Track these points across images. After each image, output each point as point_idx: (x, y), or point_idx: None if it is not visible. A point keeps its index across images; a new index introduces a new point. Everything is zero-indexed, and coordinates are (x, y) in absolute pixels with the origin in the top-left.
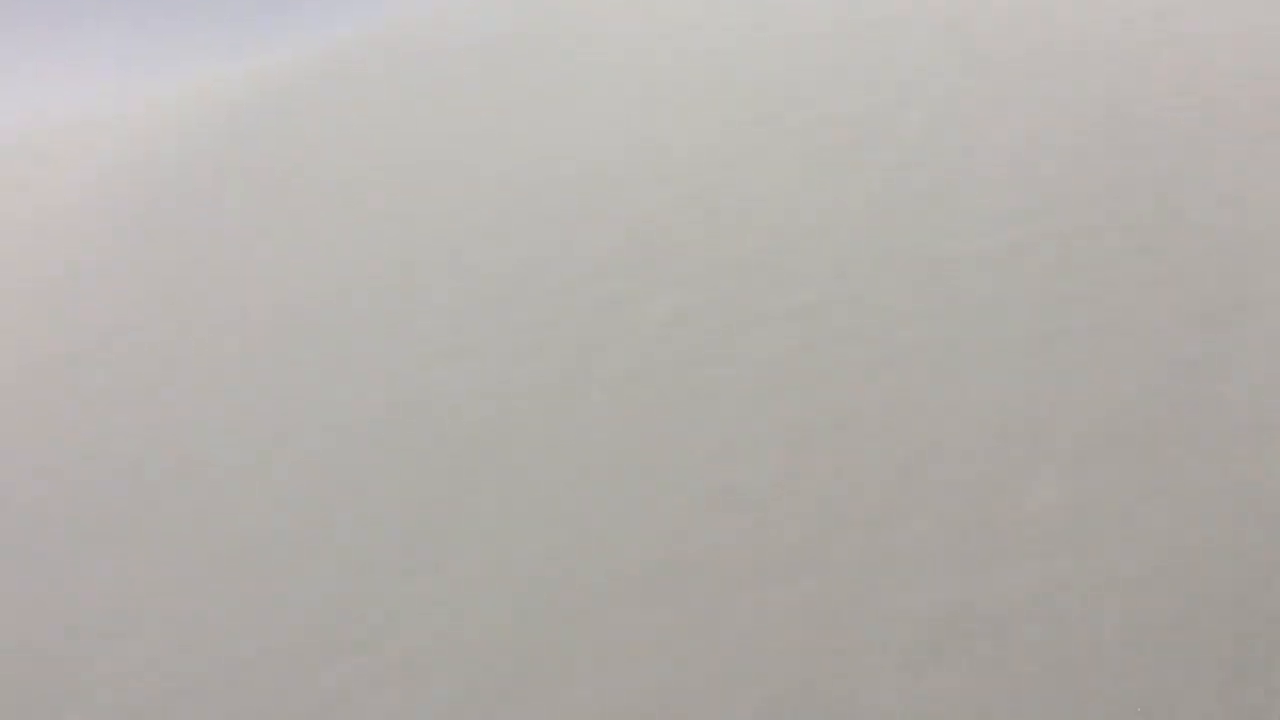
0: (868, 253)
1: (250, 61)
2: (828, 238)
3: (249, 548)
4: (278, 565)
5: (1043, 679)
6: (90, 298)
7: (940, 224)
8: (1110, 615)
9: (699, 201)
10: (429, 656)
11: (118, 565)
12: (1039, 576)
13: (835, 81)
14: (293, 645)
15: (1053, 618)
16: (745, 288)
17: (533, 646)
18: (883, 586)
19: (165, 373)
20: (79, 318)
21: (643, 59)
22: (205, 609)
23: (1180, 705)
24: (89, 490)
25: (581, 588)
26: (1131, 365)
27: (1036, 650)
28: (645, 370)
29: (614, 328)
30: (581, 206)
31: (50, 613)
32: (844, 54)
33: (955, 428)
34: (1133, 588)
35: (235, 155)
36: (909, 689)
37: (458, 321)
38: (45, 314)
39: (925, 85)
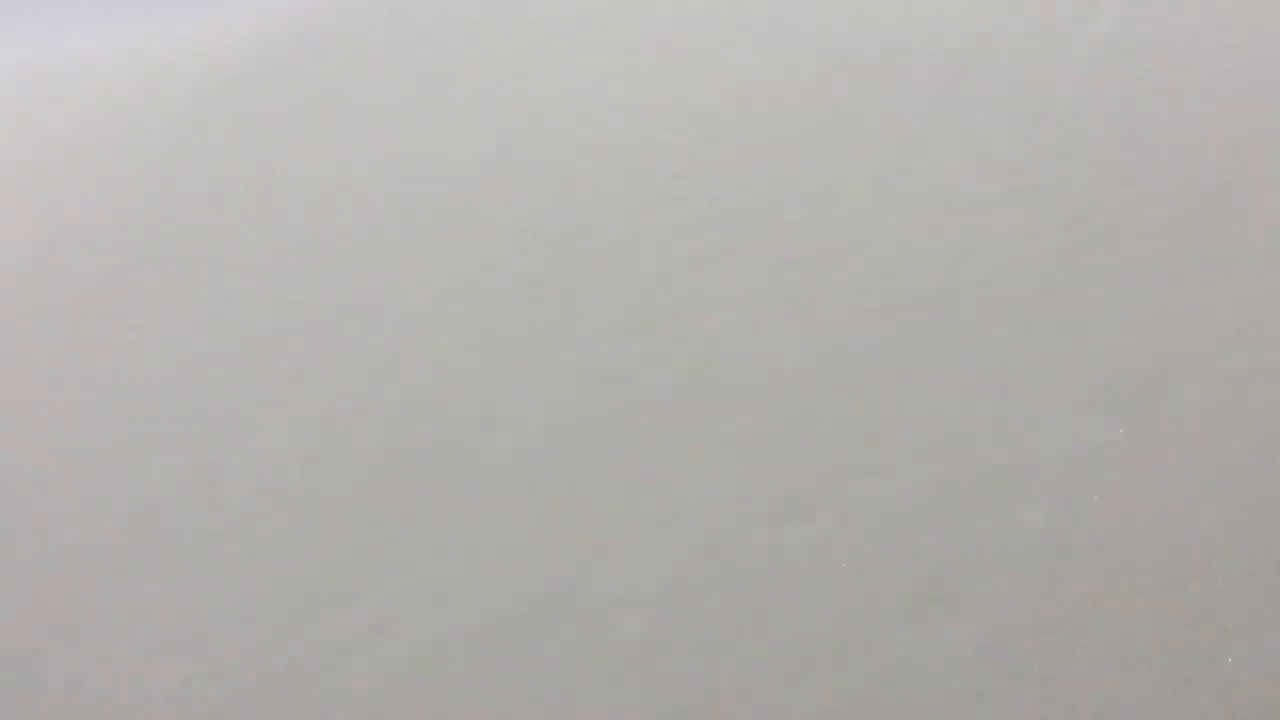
0: (876, 198)
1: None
2: (835, 184)
3: (262, 492)
4: (296, 506)
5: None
6: (103, 234)
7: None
8: (1122, 559)
9: (707, 147)
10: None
11: (118, 514)
12: (1048, 520)
13: (850, 31)
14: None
15: (1061, 560)
16: (757, 234)
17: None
18: (892, 528)
19: (177, 312)
20: (91, 254)
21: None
22: (217, 542)
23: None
24: (100, 430)
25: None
26: (1144, 311)
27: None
28: (648, 319)
29: (618, 276)
30: (584, 154)
31: (55, 559)
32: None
33: (970, 372)
34: (1144, 532)
35: (252, 91)
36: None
37: (463, 265)
38: (62, 250)
39: (936, 34)
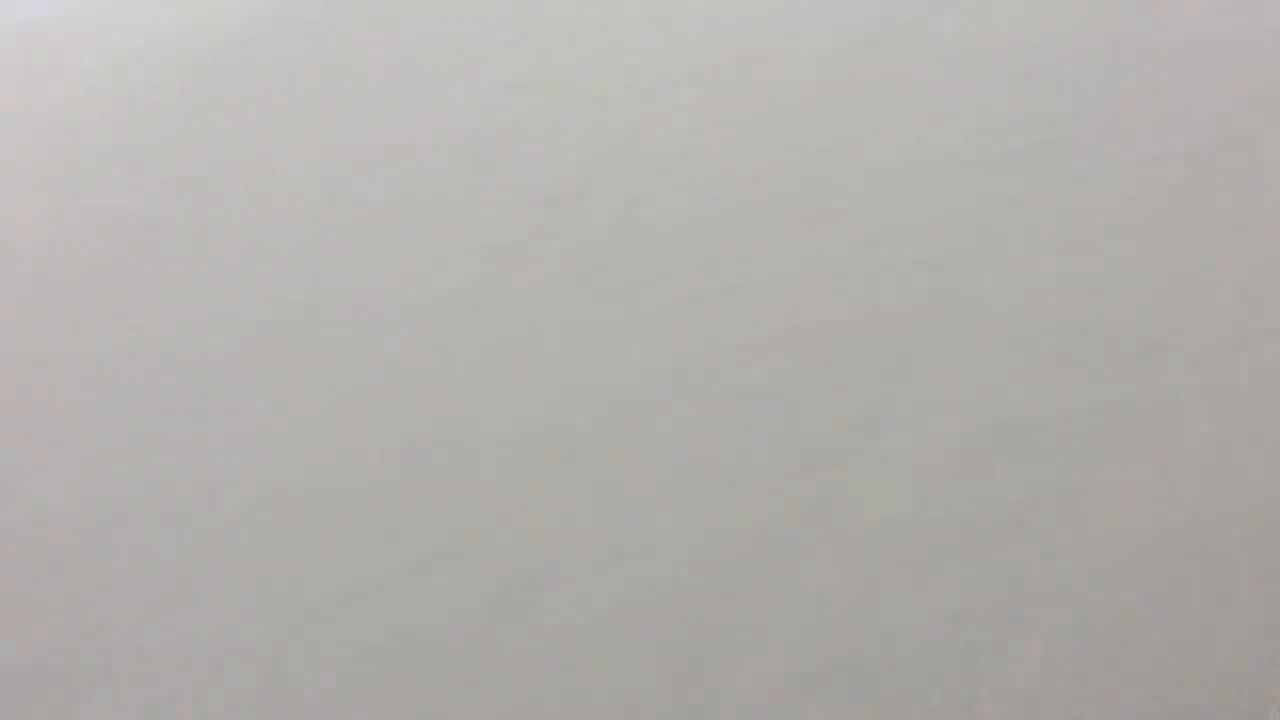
0: (892, 155)
1: None
2: (852, 141)
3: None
4: (307, 458)
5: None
6: (113, 184)
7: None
8: (1137, 516)
9: (720, 104)
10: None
11: (124, 467)
12: (1064, 477)
13: None
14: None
15: (1072, 517)
16: (770, 193)
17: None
18: (907, 484)
19: (179, 274)
20: (89, 223)
21: None
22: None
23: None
24: (119, 376)
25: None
26: (1159, 269)
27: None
28: (657, 275)
29: (627, 235)
30: (593, 108)
31: (63, 509)
32: None
33: (985, 329)
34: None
35: (250, 57)
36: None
37: (468, 222)
38: (59, 217)
39: None
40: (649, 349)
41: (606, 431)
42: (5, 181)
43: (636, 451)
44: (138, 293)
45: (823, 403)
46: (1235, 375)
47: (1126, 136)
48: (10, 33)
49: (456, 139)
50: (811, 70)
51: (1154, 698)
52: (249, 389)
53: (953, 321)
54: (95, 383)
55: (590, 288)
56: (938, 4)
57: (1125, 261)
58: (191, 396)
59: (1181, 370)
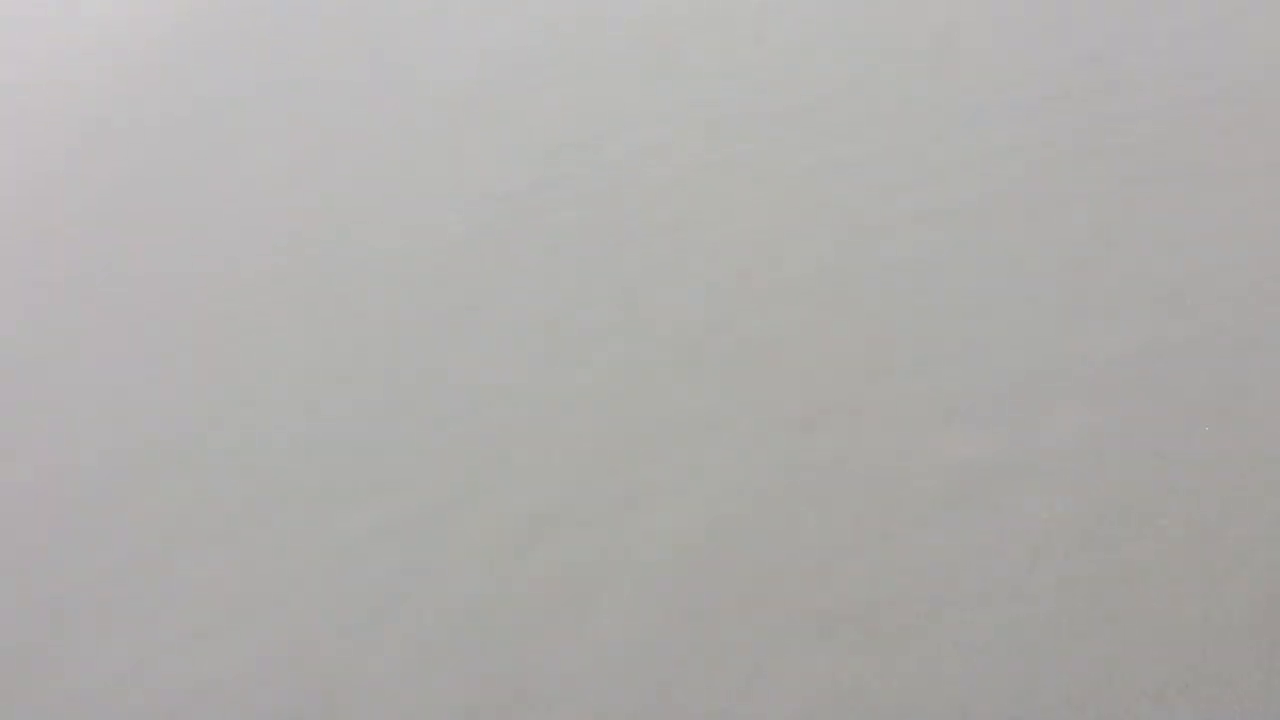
0: (902, 106)
1: None
2: (860, 91)
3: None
4: (326, 404)
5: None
6: (94, 155)
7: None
8: (1150, 464)
9: (728, 54)
10: None
11: (147, 418)
12: (1076, 425)
13: None
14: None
15: (1088, 465)
16: (797, 137)
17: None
18: (916, 434)
19: (177, 231)
20: (83, 177)
21: None
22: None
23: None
24: (109, 352)
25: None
26: (1171, 218)
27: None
28: (668, 223)
29: (637, 183)
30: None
31: (85, 460)
32: None
33: (995, 279)
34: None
35: (245, 11)
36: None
37: (477, 161)
38: (52, 176)
39: None
40: (653, 299)
41: (608, 381)
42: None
43: (637, 404)
44: (142, 240)
45: (830, 353)
46: (1252, 324)
47: (1144, 84)
48: None
49: (464, 89)
50: (821, 20)
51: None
52: (258, 336)
53: (961, 271)
54: (107, 340)
55: (597, 237)
56: None
57: (1139, 209)
58: (205, 351)
59: (1196, 319)
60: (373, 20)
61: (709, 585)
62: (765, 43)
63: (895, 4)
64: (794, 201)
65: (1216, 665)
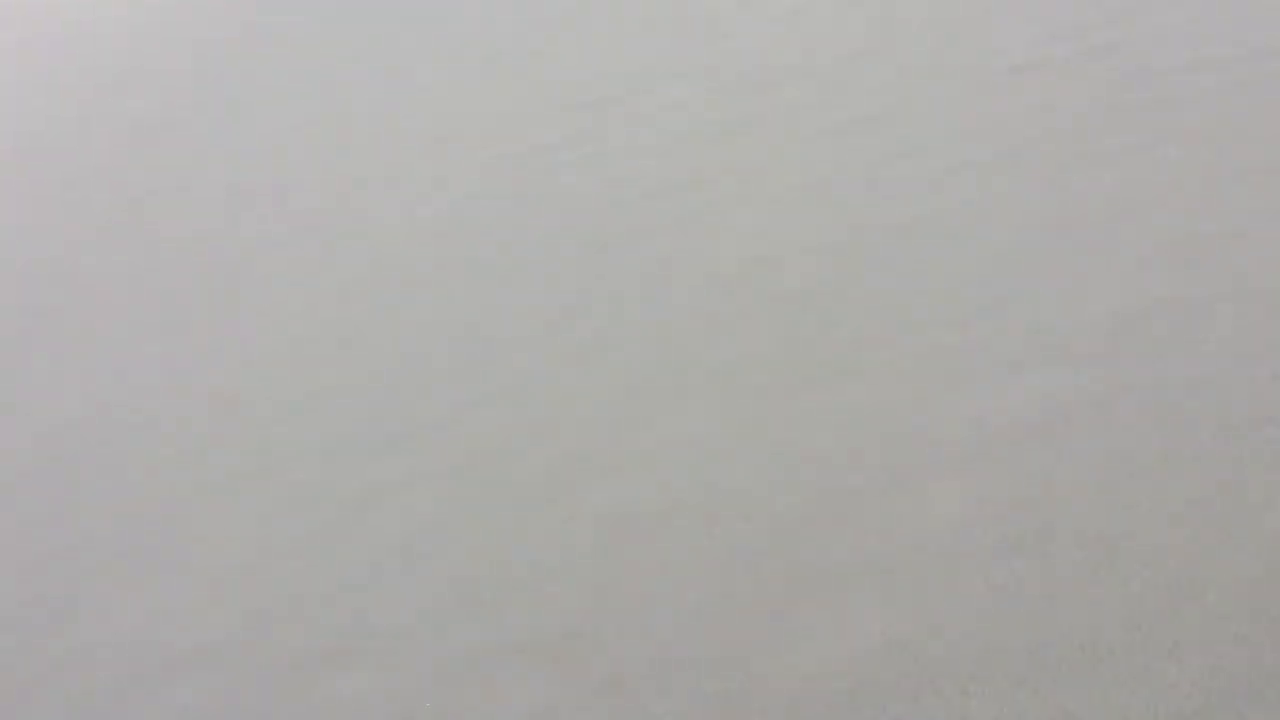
0: (919, 63)
1: None
2: (877, 48)
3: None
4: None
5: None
6: (135, 89)
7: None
8: (1169, 419)
9: (741, 13)
10: None
11: (160, 354)
12: (1094, 381)
13: None
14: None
15: (1106, 418)
16: (807, 100)
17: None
18: (931, 391)
19: (202, 180)
20: (98, 133)
21: None
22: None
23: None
24: (154, 275)
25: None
26: (1194, 174)
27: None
28: (684, 181)
29: (647, 143)
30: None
31: (109, 387)
32: None
33: (1015, 235)
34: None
35: None
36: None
37: (505, 117)
38: (63, 134)
39: None
40: (680, 254)
41: (628, 335)
42: (32, 87)
43: (657, 357)
44: (166, 194)
45: (851, 309)
46: (1268, 281)
47: (1171, 43)
48: None
49: (491, 46)
50: None
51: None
52: (271, 293)
53: (980, 228)
54: (125, 296)
55: (622, 192)
56: None
57: (1163, 167)
58: (222, 304)
59: (1214, 273)
60: None
61: (729, 536)
62: (785, 1)
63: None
64: (815, 160)
65: (1233, 624)
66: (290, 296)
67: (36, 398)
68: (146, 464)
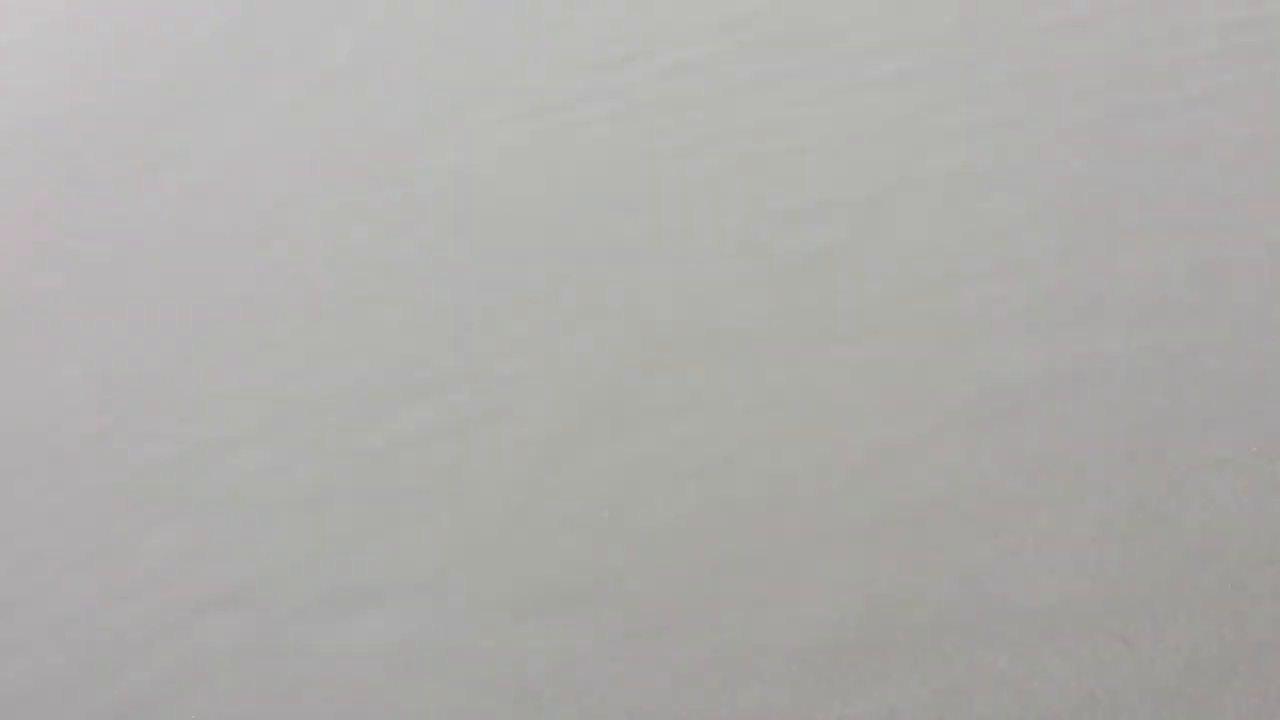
0: (956, 18)
1: None
2: (901, 8)
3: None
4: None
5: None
6: (151, 41)
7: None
8: (1197, 378)
9: None
10: None
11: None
12: (1124, 342)
13: None
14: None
15: (1136, 378)
16: (837, 54)
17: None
18: (959, 347)
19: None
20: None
21: None
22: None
23: None
24: (155, 250)
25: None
26: (1225, 137)
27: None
28: (710, 137)
29: (681, 98)
30: None
31: (137, 345)
32: None
33: (1043, 196)
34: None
35: None
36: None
37: (520, 75)
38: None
39: None
40: (697, 211)
41: (643, 295)
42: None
43: (671, 316)
44: (184, 140)
45: (869, 268)
46: None
47: (1205, 6)
48: None
49: (507, 4)
50: None
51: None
52: (294, 250)
53: (1007, 187)
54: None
55: (637, 151)
56: None
57: (1195, 129)
58: (239, 244)
59: (1239, 235)
60: None
61: (745, 490)
62: None
63: None
64: (830, 120)
65: (1269, 578)
66: (322, 240)
67: (69, 336)
68: (168, 414)
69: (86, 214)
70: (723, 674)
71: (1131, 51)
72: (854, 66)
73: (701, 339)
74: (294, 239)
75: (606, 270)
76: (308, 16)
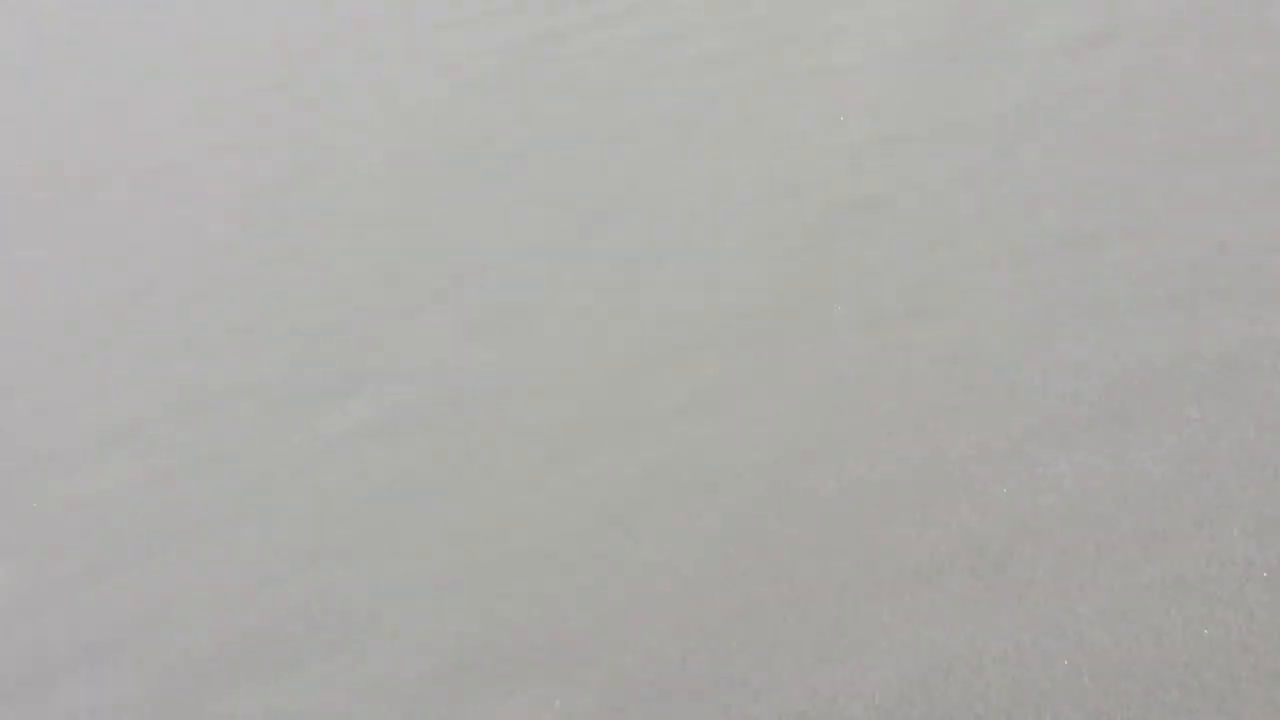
0: None
1: None
2: None
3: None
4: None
5: None
6: None
7: None
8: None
9: None
10: None
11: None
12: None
13: None
14: None
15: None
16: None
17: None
18: (1006, 331)
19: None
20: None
21: None
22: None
23: None
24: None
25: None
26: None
27: None
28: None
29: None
30: None
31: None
32: None
33: (1048, 181)
34: None
35: None
36: None
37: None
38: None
39: None
40: (699, 187)
41: (639, 233)
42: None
43: (679, 290)
44: (193, 93)
45: (887, 250)
46: None
47: None
48: None
49: None
50: None
51: None
52: (258, 189)
53: (1014, 175)
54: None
55: (641, 119)
56: None
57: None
58: (249, 180)
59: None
60: None
61: (759, 467)
62: None
63: None
64: (841, 94)
65: None
66: (287, 191)
67: (34, 274)
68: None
69: None
70: None
71: (1224, 17)
72: (863, 40)
73: (719, 322)
74: (244, 185)
75: (606, 222)
76: None
